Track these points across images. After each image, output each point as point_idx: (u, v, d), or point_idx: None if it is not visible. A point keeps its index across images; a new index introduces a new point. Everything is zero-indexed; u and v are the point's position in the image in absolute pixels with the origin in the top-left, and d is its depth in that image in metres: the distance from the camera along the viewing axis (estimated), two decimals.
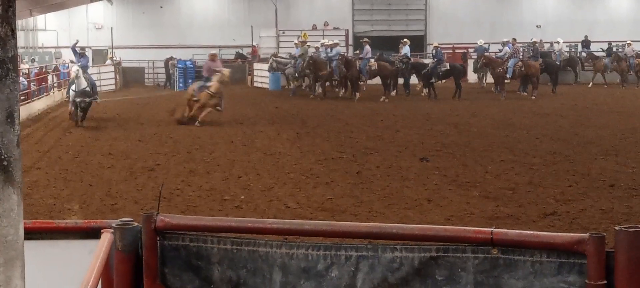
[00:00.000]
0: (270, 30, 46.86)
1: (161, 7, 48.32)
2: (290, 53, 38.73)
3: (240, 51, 46.87)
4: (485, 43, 41.34)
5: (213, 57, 25.06)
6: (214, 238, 3.76)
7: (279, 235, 3.78)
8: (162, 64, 44.78)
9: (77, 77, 23.13)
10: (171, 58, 43.19)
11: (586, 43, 48.57)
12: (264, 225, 3.82)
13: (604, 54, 42.66)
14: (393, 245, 3.58)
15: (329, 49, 34.27)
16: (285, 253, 3.66)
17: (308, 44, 37.61)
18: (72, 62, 24.86)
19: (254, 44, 46.94)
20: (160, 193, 11.70)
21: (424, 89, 34.09)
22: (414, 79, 35.26)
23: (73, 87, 23.11)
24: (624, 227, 3.25)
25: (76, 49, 25.07)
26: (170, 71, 43.36)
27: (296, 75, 36.24)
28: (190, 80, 41.67)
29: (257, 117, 25.21)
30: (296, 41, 39.20)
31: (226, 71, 24.33)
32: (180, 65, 42.27)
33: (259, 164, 16.07)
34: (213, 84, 23.25)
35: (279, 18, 47.25)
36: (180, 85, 40.88)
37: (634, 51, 42.65)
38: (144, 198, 12.61)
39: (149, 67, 46.09)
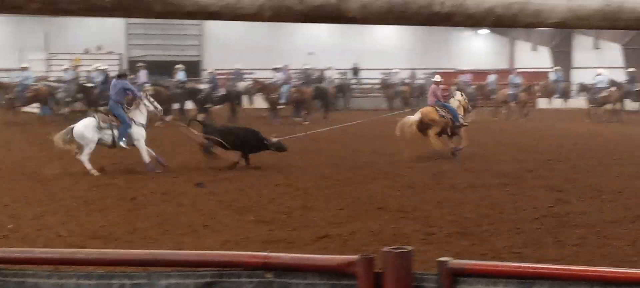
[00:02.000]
0: (40, 54, 45.26)
1: None
2: (60, 77, 37.56)
3: None
4: (241, 68, 41.61)
5: (438, 83, 22.96)
6: None
7: (49, 264, 3.66)
8: None
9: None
10: None
11: (356, 70, 50.42)
12: (32, 254, 3.70)
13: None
14: (168, 272, 3.56)
15: (98, 73, 33.86)
16: (55, 284, 3.55)
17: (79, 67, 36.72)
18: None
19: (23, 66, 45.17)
20: None
21: (200, 114, 34.05)
22: (190, 105, 35.19)
23: None
24: (392, 248, 3.39)
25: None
26: None
27: (67, 99, 35.21)
28: None
29: (27, 143, 24.28)
30: (67, 66, 38.03)
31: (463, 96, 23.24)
32: None
33: (28, 191, 15.47)
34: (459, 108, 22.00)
35: (50, 41, 45.76)
36: None
37: (401, 79, 44.67)
38: None
39: None
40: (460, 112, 22.17)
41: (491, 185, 16.46)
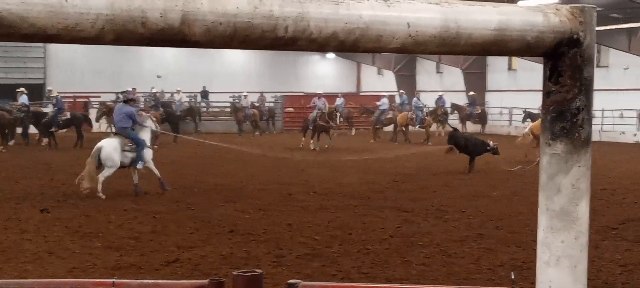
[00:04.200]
0: None
1: None
2: None
3: None
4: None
5: None
6: None
7: None
8: None
9: None
10: None
11: (205, 93, 50.28)
12: None
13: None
14: None
15: None
16: None
17: None
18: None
19: None
20: None
21: (44, 139, 33.26)
22: (33, 129, 34.29)
23: None
24: (242, 272, 3.39)
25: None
26: None
27: None
28: None
29: None
30: None
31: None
32: None
33: None
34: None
35: None
36: None
37: (250, 102, 44.82)
38: None
39: None
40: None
41: (340, 207, 16.69)
